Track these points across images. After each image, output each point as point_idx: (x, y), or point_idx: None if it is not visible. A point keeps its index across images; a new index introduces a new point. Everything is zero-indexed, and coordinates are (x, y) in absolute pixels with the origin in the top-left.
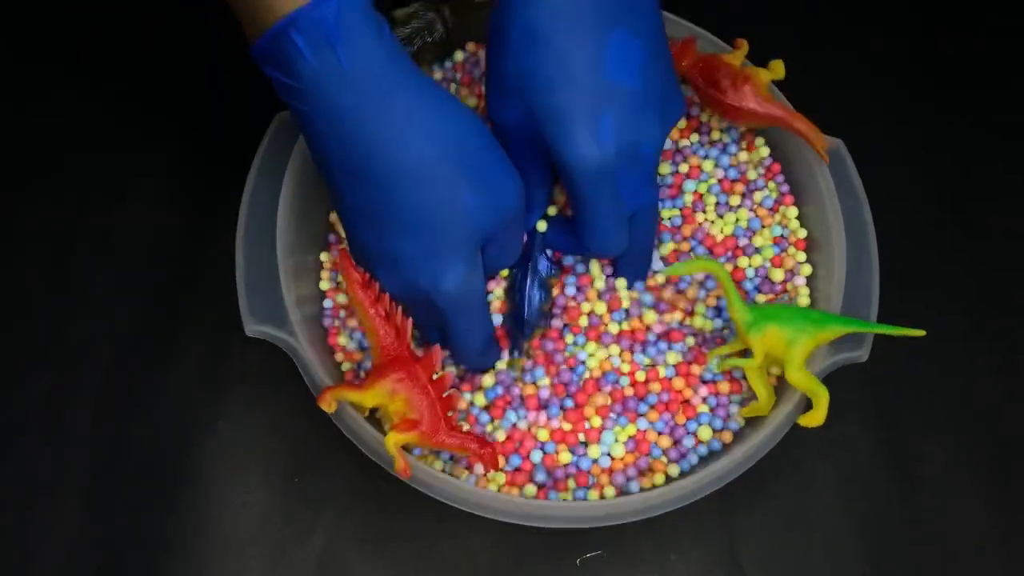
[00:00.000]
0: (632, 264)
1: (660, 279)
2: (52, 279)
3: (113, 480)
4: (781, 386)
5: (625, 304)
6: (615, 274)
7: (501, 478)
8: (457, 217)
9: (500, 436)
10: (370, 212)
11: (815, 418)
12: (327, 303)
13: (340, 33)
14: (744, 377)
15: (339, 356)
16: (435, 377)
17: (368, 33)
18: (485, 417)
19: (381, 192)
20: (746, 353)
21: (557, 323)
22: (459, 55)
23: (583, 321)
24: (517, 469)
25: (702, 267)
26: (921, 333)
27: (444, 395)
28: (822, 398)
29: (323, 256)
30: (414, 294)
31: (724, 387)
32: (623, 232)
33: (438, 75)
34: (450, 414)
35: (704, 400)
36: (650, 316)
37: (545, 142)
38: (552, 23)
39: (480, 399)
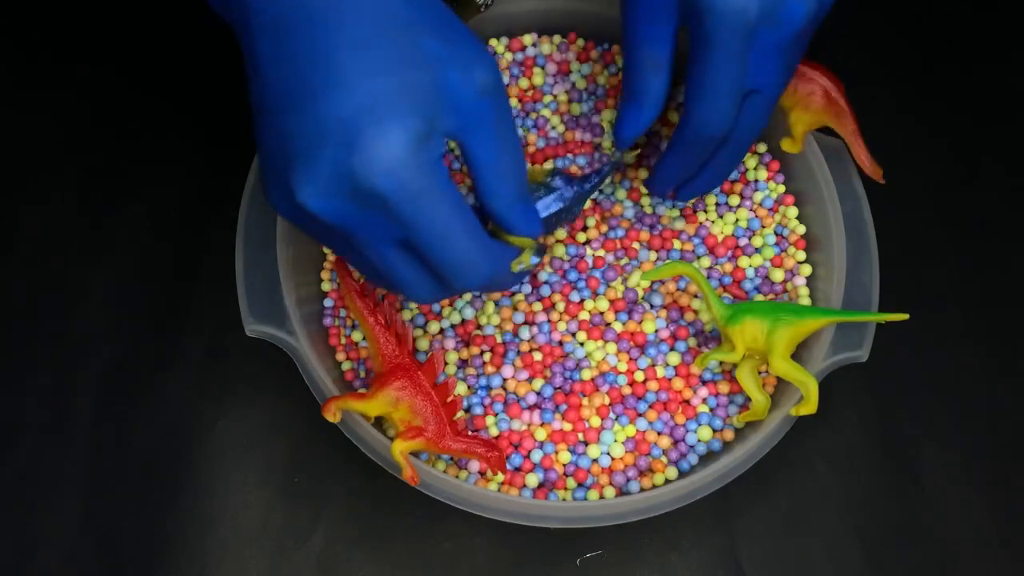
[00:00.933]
0: (711, 166)
1: (644, 283)
2: (52, 279)
3: (113, 480)
4: (779, 389)
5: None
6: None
7: (500, 477)
8: (410, 59)
9: (493, 432)
10: (296, 76)
11: (806, 407)
12: (327, 302)
13: None
14: None
15: (340, 355)
16: (438, 382)
17: None
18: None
19: (305, 51)
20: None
21: (555, 317)
22: None
23: (583, 316)
24: (517, 469)
25: (676, 270)
26: (904, 317)
27: (448, 400)
28: (810, 387)
29: (325, 248)
30: (348, 186)
31: (724, 387)
32: (732, 107)
33: None
34: (455, 418)
35: (704, 400)
36: (650, 325)
37: None
38: None
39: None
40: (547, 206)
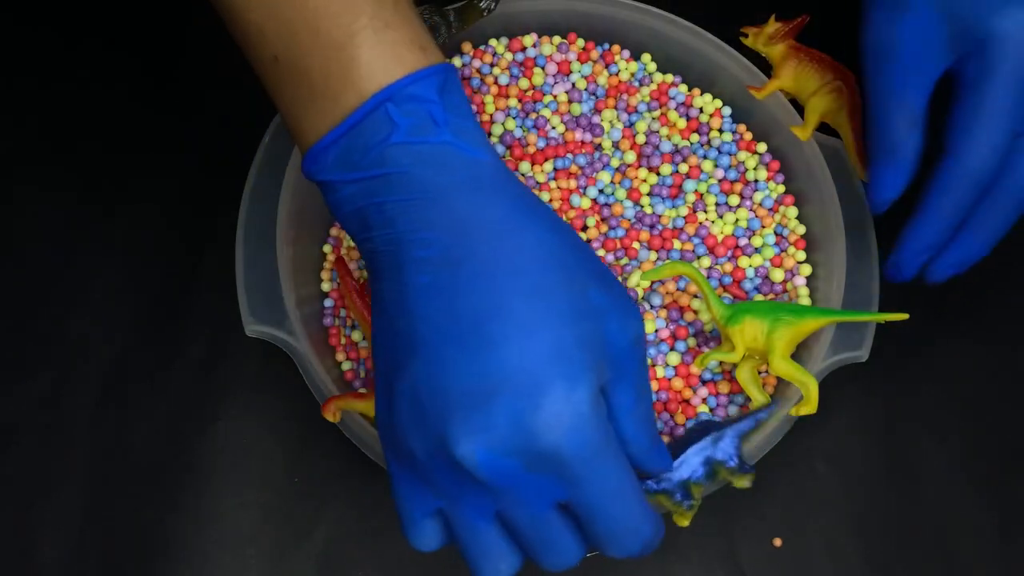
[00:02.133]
0: (973, 226)
1: (644, 283)
2: (52, 279)
3: (113, 480)
4: (779, 389)
5: None
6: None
7: None
8: (582, 311)
9: None
10: (466, 317)
11: (807, 407)
12: (327, 302)
13: (444, 111)
14: None
15: (340, 355)
16: None
17: (470, 114)
18: None
19: (478, 292)
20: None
21: None
22: (457, 61)
23: None
24: None
25: (676, 270)
26: (904, 316)
27: None
28: (810, 386)
29: (325, 248)
30: (526, 442)
31: (724, 387)
32: (1003, 144)
33: None
34: None
35: (704, 400)
36: (649, 325)
37: (956, 30)
38: None
39: None
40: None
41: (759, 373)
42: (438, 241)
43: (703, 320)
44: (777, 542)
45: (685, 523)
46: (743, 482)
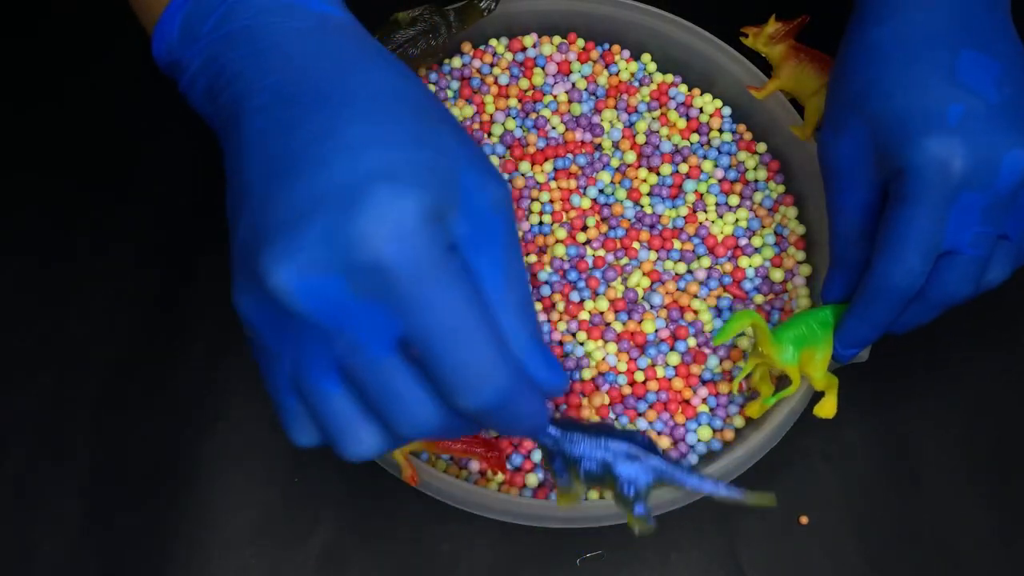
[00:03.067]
0: (899, 322)
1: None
2: (52, 278)
3: (113, 480)
4: (780, 387)
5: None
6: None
7: (501, 477)
8: (428, 142)
9: (493, 432)
10: (293, 148)
11: (829, 408)
12: None
13: None
14: (745, 377)
15: None
16: None
17: None
18: None
19: (307, 124)
20: (774, 378)
21: (555, 317)
22: (457, 61)
23: (583, 316)
24: (517, 469)
25: (745, 324)
26: None
27: None
28: (834, 388)
29: None
30: (343, 257)
31: (724, 387)
32: (921, 265)
33: (436, 78)
34: None
35: (704, 400)
36: (650, 325)
37: (882, 152)
38: (898, 38)
39: None
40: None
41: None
42: (275, 86)
43: (703, 320)
44: (777, 541)
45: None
46: (633, 522)
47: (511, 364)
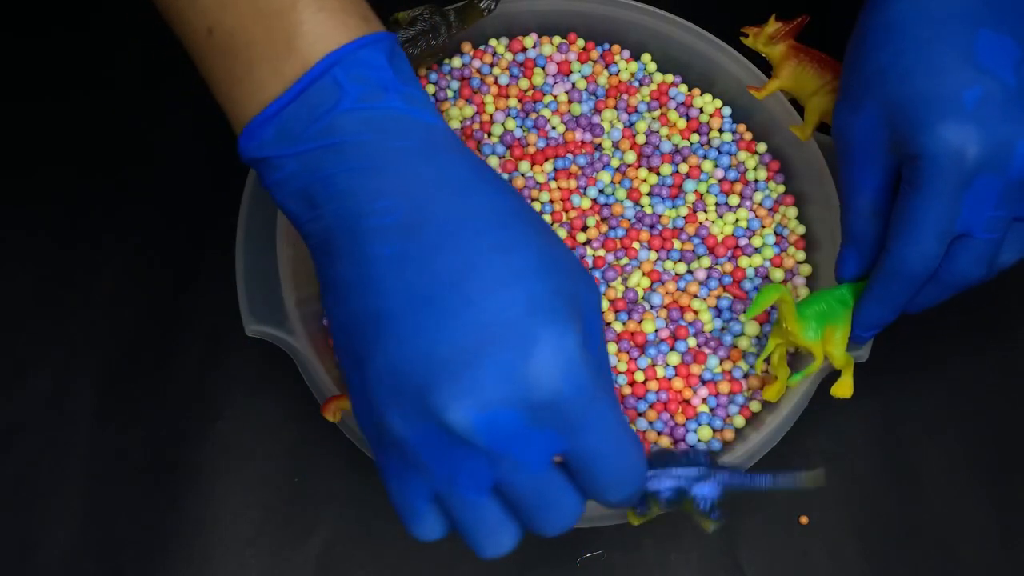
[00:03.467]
0: (914, 302)
1: (745, 320)
2: (52, 278)
3: (113, 480)
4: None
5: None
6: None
7: None
8: (552, 266)
9: None
10: (436, 281)
11: (846, 388)
12: None
13: (394, 77)
14: (744, 376)
15: None
16: None
17: (418, 82)
18: None
19: (444, 255)
20: (793, 354)
21: None
22: (457, 61)
23: None
24: None
25: (774, 296)
26: None
27: None
28: (850, 368)
29: None
30: (521, 394)
31: (724, 387)
32: (935, 248)
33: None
34: None
35: (704, 400)
36: (649, 325)
37: (897, 137)
38: (915, 16)
39: None
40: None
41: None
42: (396, 208)
43: (703, 320)
44: (777, 541)
45: (636, 522)
46: (708, 525)
47: (643, 459)
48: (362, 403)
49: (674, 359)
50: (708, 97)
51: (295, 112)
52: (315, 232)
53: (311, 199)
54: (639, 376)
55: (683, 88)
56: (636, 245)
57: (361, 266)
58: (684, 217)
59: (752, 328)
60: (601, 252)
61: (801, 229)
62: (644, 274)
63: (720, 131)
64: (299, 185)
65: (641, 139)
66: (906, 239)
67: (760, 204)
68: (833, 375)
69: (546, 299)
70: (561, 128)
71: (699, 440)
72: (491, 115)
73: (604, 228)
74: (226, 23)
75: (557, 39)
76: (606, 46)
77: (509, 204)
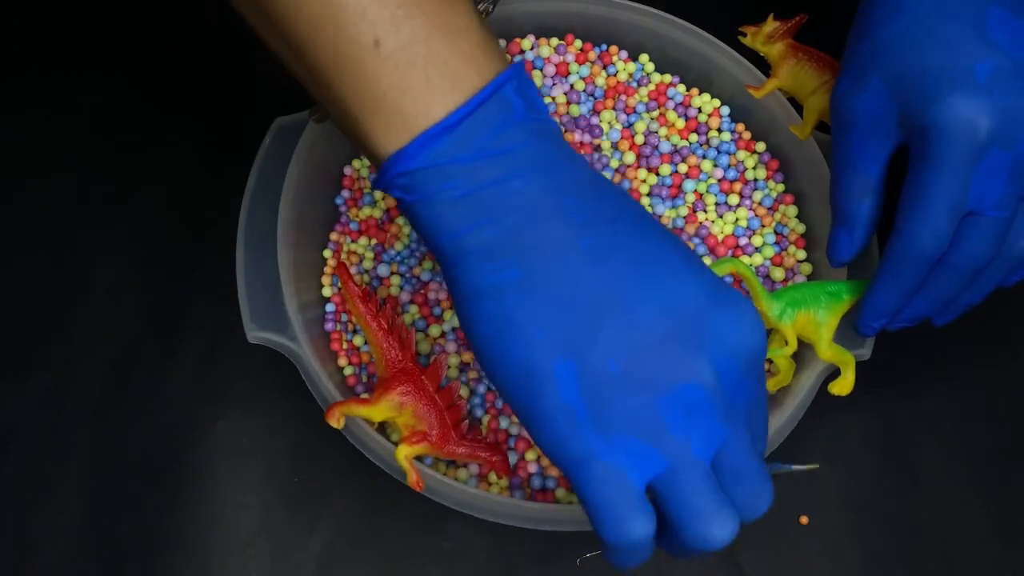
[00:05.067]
0: (926, 292)
1: None
2: (52, 279)
3: (113, 480)
4: (782, 389)
5: None
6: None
7: (503, 481)
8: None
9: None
10: (642, 268)
11: (845, 385)
12: (329, 307)
13: (536, 96)
14: None
15: (342, 360)
16: (442, 387)
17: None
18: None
19: (638, 241)
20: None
21: None
22: None
23: None
24: (514, 470)
25: (726, 269)
26: None
27: (451, 404)
28: (850, 364)
29: (326, 252)
30: (741, 346)
31: None
32: (945, 225)
33: None
34: (460, 423)
35: None
36: None
37: (905, 110)
38: None
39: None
40: None
41: None
42: (583, 206)
43: None
44: (777, 541)
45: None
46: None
47: None
48: (578, 393)
49: None
50: (707, 97)
51: (475, 122)
52: (486, 238)
53: (483, 206)
54: None
55: (681, 88)
56: None
57: (561, 262)
58: (684, 217)
59: None
60: None
61: (801, 228)
62: None
63: (719, 131)
64: (468, 194)
65: (640, 139)
66: (916, 216)
67: (760, 203)
68: (835, 374)
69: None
70: (560, 130)
71: None
72: None
73: None
74: (403, 35)
75: (555, 40)
76: (604, 47)
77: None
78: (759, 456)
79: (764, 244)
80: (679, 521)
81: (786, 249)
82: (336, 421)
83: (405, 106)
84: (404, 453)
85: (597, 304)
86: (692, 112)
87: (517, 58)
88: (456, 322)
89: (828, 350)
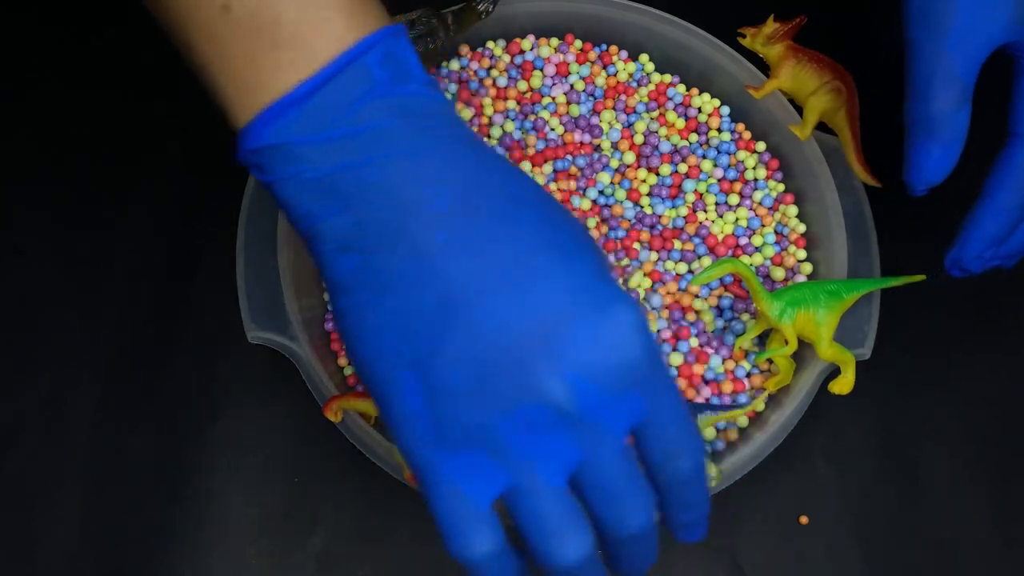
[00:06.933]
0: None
1: (695, 287)
2: (52, 279)
3: (113, 480)
4: (782, 389)
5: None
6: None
7: None
8: (586, 238)
9: None
10: (500, 269)
11: (845, 384)
12: (330, 306)
13: (417, 65)
14: (747, 375)
15: (342, 360)
16: None
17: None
18: None
19: (503, 235)
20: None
21: None
22: (455, 64)
23: None
24: None
25: (726, 269)
26: (921, 278)
27: None
28: (850, 364)
29: None
30: (603, 361)
31: (727, 387)
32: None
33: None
34: None
35: (707, 400)
36: (651, 326)
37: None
38: None
39: None
40: None
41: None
42: (444, 194)
43: (704, 321)
44: (777, 541)
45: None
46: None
47: None
48: (418, 403)
49: (676, 359)
50: (706, 97)
51: (326, 97)
52: (339, 227)
53: (337, 191)
54: None
55: (681, 88)
56: (637, 246)
57: (414, 258)
58: (684, 217)
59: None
60: None
61: (801, 227)
62: (645, 275)
63: (719, 130)
64: (321, 176)
65: (640, 139)
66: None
67: (760, 203)
68: (835, 373)
69: (605, 269)
70: (560, 129)
71: (704, 441)
72: (490, 117)
73: (604, 229)
74: (248, 0)
75: (555, 40)
76: (604, 47)
77: (537, 185)
78: (628, 474)
79: (764, 244)
80: (526, 537)
81: (786, 249)
82: (334, 415)
83: (251, 77)
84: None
85: (445, 309)
86: (692, 112)
87: (518, 57)
88: None
89: (828, 350)
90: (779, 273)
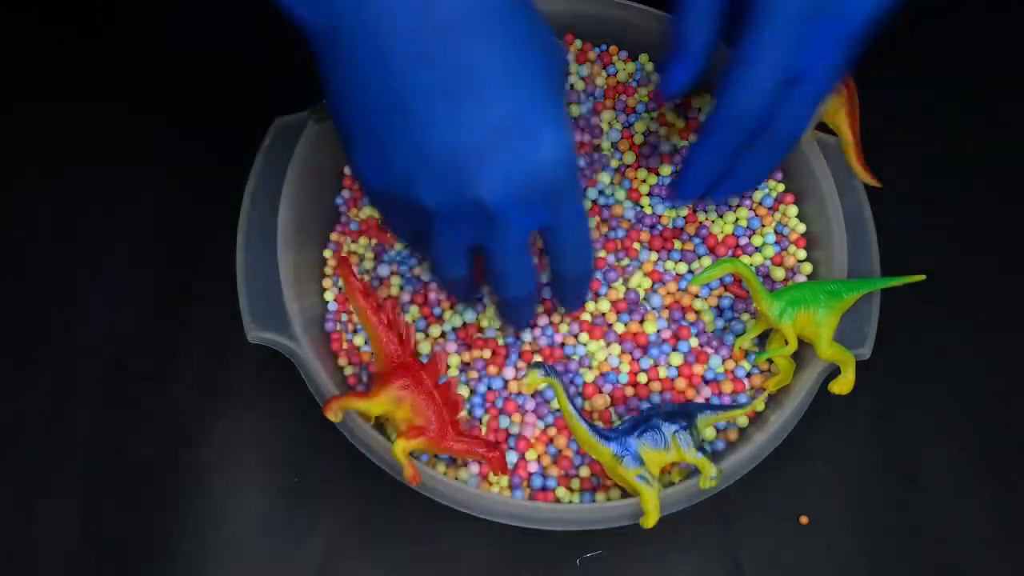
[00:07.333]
0: (746, 161)
1: (695, 287)
2: (53, 279)
3: (113, 480)
4: (783, 389)
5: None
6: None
7: (503, 480)
8: (550, 67)
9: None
10: (459, 73)
11: (845, 384)
12: (330, 307)
13: None
14: (747, 375)
15: (342, 360)
16: (440, 381)
17: None
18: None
19: (462, 52)
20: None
21: (556, 319)
22: None
23: (585, 317)
24: (518, 470)
25: (726, 269)
26: (922, 278)
27: (450, 400)
28: (850, 364)
29: (326, 253)
30: (531, 177)
31: (727, 387)
32: (769, 89)
33: None
34: (457, 418)
35: (707, 400)
36: (651, 325)
37: None
38: None
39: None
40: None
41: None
42: (414, 5)
43: (704, 321)
44: (777, 541)
45: (649, 524)
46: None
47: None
48: (374, 160)
49: (676, 359)
50: (707, 97)
51: None
52: (321, 20)
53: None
54: (642, 377)
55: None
56: (636, 246)
57: (378, 58)
58: (684, 217)
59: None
60: (602, 253)
61: (801, 227)
62: (645, 275)
63: None
64: None
65: (640, 139)
66: (738, 81)
67: (760, 203)
68: (835, 373)
69: (550, 96)
70: None
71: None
72: None
73: (604, 229)
74: None
75: None
76: (603, 47)
77: (514, 8)
78: (517, 262)
79: (764, 244)
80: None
81: (786, 248)
82: (334, 414)
83: None
84: (401, 447)
85: (403, 109)
86: (692, 112)
87: None
88: (456, 321)
89: (828, 349)
90: (779, 273)
